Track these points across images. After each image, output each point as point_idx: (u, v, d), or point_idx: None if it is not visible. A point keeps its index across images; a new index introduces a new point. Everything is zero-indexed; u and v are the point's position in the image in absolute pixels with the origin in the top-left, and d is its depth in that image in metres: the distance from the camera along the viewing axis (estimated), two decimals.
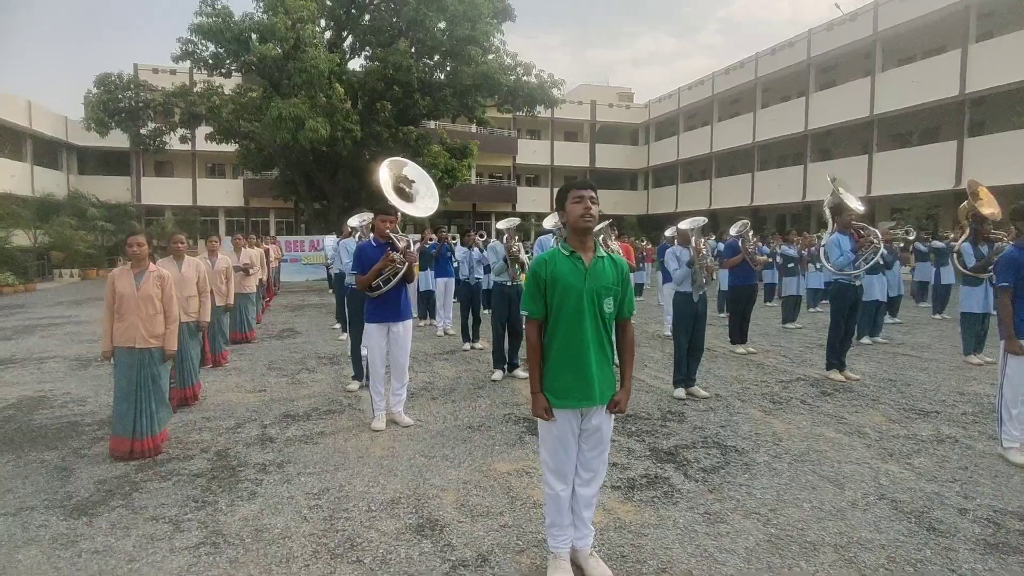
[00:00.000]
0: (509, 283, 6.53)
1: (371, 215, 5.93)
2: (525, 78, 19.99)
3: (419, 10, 18.38)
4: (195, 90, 21.76)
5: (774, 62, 30.66)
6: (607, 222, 6.51)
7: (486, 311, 9.10)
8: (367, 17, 22.03)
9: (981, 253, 6.83)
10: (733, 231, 7.60)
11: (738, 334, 7.80)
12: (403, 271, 4.69)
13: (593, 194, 2.67)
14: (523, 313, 2.70)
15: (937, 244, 11.02)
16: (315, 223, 25.18)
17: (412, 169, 5.03)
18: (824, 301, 11.38)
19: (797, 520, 3.23)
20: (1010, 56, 19.96)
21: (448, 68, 20.06)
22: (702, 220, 5.62)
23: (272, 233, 33.82)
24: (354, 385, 6.11)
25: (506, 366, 6.57)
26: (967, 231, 6.98)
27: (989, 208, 6.86)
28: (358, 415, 5.23)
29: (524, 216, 41.60)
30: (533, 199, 42.03)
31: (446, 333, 9.50)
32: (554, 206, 2.84)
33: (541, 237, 5.41)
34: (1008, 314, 3.97)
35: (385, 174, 4.82)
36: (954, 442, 4.41)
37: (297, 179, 24.23)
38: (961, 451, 4.23)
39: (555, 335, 2.63)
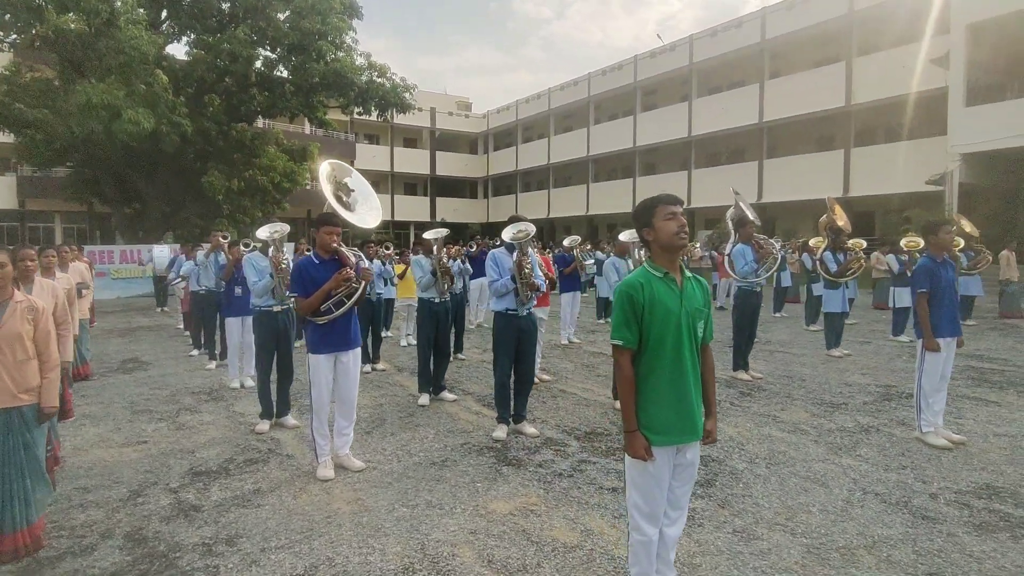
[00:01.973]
0: (437, 300, 6.04)
1: (283, 226, 5.10)
2: (379, 80, 19.10)
3: None
4: None
5: (605, 82, 33.12)
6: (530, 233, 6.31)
7: (386, 332, 8.40)
8: None
9: (839, 260, 7.85)
10: (566, 243, 7.96)
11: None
12: (359, 291, 4.03)
13: (683, 209, 2.45)
14: (616, 342, 2.38)
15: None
16: (128, 230, 21.60)
17: (354, 178, 4.38)
18: None
19: (816, 526, 3.31)
20: (796, 92, 23.70)
21: (293, 62, 18.42)
22: None
23: (59, 242, 28.35)
24: (264, 425, 5.16)
25: (431, 389, 6.07)
26: (827, 241, 7.98)
27: (842, 221, 7.92)
28: (288, 462, 4.40)
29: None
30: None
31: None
32: (634, 224, 2.55)
33: (495, 252, 4.99)
34: (925, 316, 4.53)
35: (325, 178, 4.13)
36: (877, 431, 4.93)
37: (102, 178, 20.60)
38: (888, 439, 4.73)
39: (654, 366, 2.36)
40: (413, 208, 42.38)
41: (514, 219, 4.96)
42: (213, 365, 7.81)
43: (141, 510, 3.62)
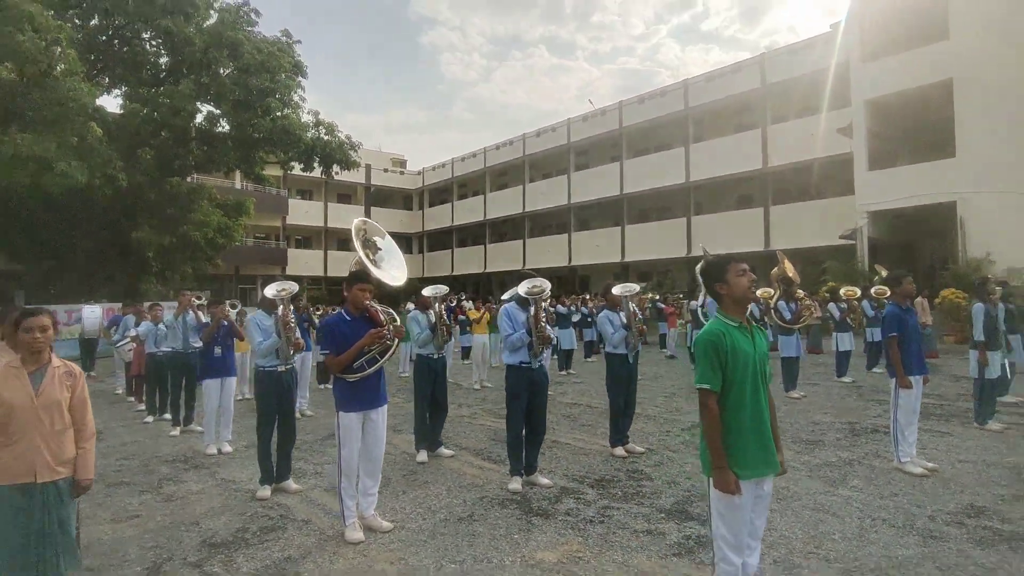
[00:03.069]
0: (435, 355, 6.08)
1: (292, 284, 5.07)
2: (326, 137, 19.18)
3: (208, 53, 16.53)
4: None
5: (539, 143, 34.61)
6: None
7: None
8: (125, 49, 18.99)
9: (792, 309, 8.54)
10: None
11: None
12: (392, 348, 4.06)
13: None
14: (703, 386, 2.60)
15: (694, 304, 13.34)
16: (40, 290, 20.04)
17: (383, 239, 4.46)
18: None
19: (844, 551, 3.57)
20: (718, 155, 25.72)
21: (238, 118, 18.21)
22: (634, 287, 6.02)
23: None
24: (265, 491, 4.93)
25: (427, 445, 6.02)
26: (778, 291, 8.68)
27: (792, 272, 8.67)
28: (308, 528, 4.24)
29: (297, 279, 39.14)
30: (305, 262, 39.86)
31: (302, 415, 8.29)
32: (705, 279, 2.82)
33: (507, 307, 5.15)
34: (896, 358, 5.05)
35: (356, 235, 4.20)
36: (859, 463, 5.34)
37: (11, 230, 19.14)
38: (871, 470, 5.14)
39: (739, 407, 2.59)
40: (347, 264, 41.61)
41: (526, 275, 5.17)
42: (177, 431, 7.36)
43: None
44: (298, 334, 5.14)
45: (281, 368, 4.99)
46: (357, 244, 4.10)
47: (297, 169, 23.61)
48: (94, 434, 3.07)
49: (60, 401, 2.90)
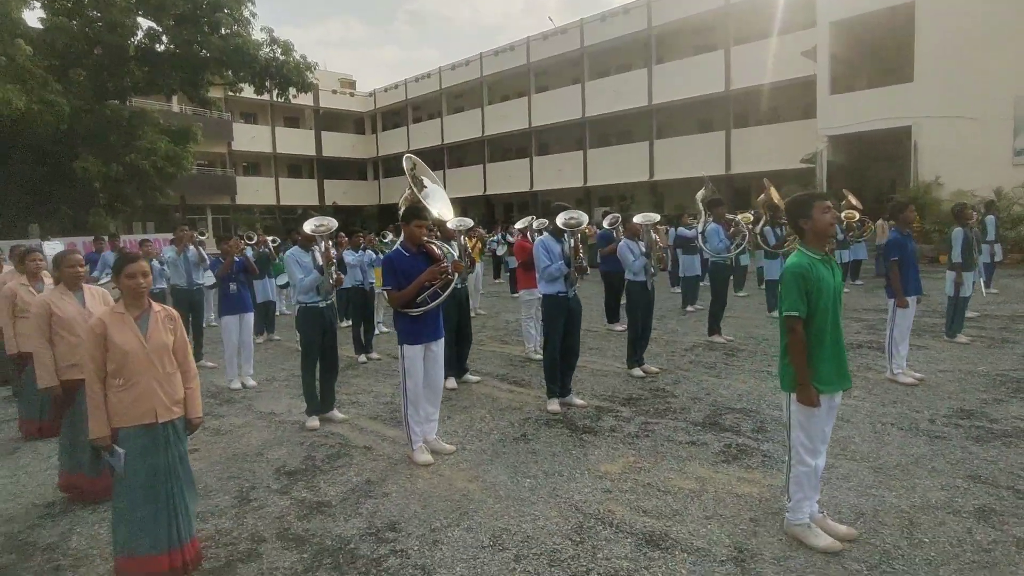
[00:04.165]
0: (460, 286, 6.20)
1: (331, 220, 5.02)
2: (282, 57, 18.00)
3: None
4: None
5: (498, 63, 33.44)
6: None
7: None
8: None
9: (777, 234, 9.00)
10: (606, 223, 8.45)
11: (615, 313, 8.76)
12: (453, 283, 4.18)
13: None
14: (792, 314, 2.87)
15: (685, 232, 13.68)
16: None
17: (428, 173, 4.45)
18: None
19: (868, 452, 4.07)
20: (680, 77, 25.61)
21: (184, 35, 16.82)
22: (655, 216, 6.23)
23: None
24: (314, 421, 5.10)
25: (455, 373, 6.26)
26: (765, 217, 9.10)
27: (778, 200, 9.06)
28: (372, 454, 4.47)
29: (247, 208, 37.55)
30: (256, 190, 38.20)
31: None
32: (789, 215, 3.04)
33: (543, 238, 5.27)
34: (897, 281, 5.52)
35: (410, 173, 4.20)
36: (855, 376, 5.85)
37: None
38: (867, 382, 5.69)
39: (822, 331, 2.88)
40: (299, 191, 40.29)
41: (560, 207, 5.28)
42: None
43: (267, 512, 3.58)
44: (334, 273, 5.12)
45: (323, 303, 5.03)
46: (414, 182, 4.10)
47: (248, 91, 22.30)
48: (196, 374, 3.14)
49: (167, 344, 2.94)
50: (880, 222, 12.70)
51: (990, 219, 9.97)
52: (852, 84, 18.89)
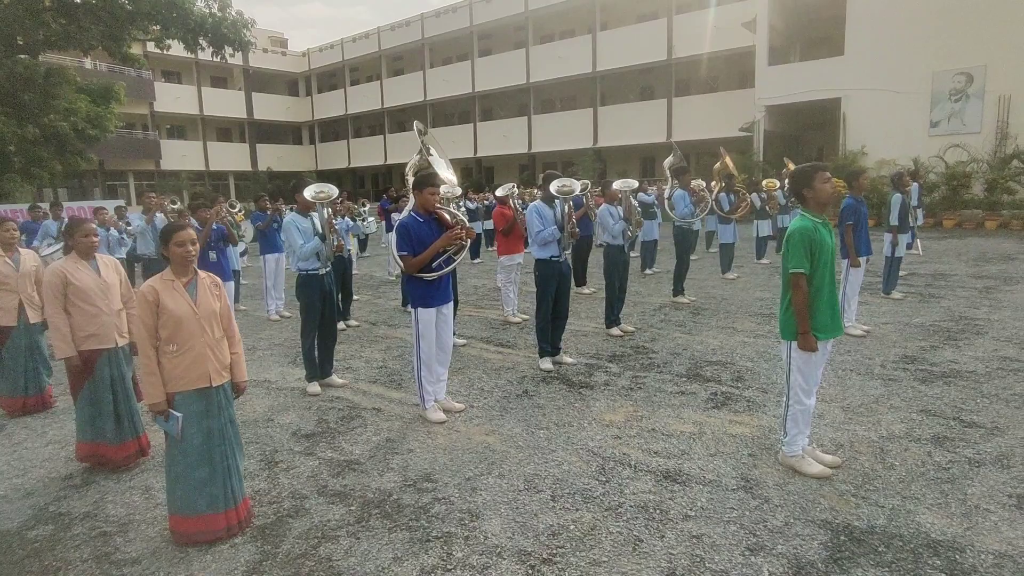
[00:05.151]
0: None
1: (331, 187, 5.02)
2: (219, 13, 16.96)
3: None
4: None
5: (439, 25, 32.67)
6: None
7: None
8: None
9: (730, 200, 9.55)
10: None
11: (582, 278, 9.13)
12: (465, 248, 4.34)
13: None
14: (798, 271, 3.24)
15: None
16: None
17: (434, 145, 4.54)
18: None
19: (834, 394, 4.60)
20: (625, 45, 25.94)
21: None
22: (634, 182, 6.52)
23: None
24: (315, 387, 5.19)
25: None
26: (720, 184, 9.62)
27: (732, 168, 9.59)
28: (383, 415, 4.64)
29: (173, 174, 35.42)
30: (182, 154, 36.15)
31: (281, 316, 8.30)
32: (793, 184, 3.38)
33: (535, 204, 5.46)
34: (851, 243, 6.10)
35: (422, 141, 4.29)
36: None
37: None
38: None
39: (821, 285, 3.28)
40: (230, 156, 38.41)
41: (552, 175, 5.48)
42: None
43: (298, 472, 3.72)
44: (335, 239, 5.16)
45: (322, 271, 5.08)
46: (429, 150, 4.19)
47: (176, 49, 20.91)
48: (240, 340, 3.21)
49: (215, 311, 3.01)
50: None
51: (914, 186, 10.90)
52: (788, 56, 19.78)
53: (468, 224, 4.39)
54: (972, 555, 2.67)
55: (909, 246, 10.78)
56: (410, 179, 4.43)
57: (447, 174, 4.54)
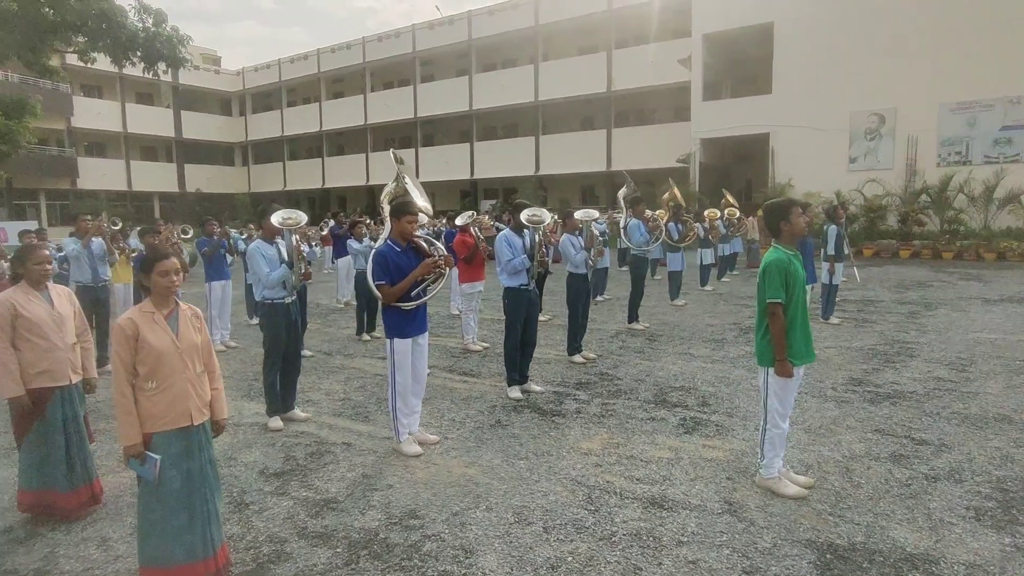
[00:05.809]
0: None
1: (299, 214, 4.88)
2: (153, 28, 16.30)
3: None
4: None
5: (381, 49, 32.64)
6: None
7: None
8: None
9: (679, 229, 9.95)
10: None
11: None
12: (444, 277, 4.30)
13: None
14: (776, 300, 3.40)
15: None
16: None
17: (409, 171, 4.52)
18: None
19: (798, 417, 4.82)
20: (566, 76, 26.75)
21: None
22: (595, 212, 6.67)
23: None
24: (277, 421, 4.96)
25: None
26: (668, 214, 10.01)
27: (680, 199, 10.01)
28: (353, 450, 4.48)
29: (92, 194, 33.28)
30: (102, 174, 34.27)
31: (226, 347, 7.91)
32: (770, 218, 3.55)
33: (504, 233, 5.47)
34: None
35: (403, 170, 4.26)
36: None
37: None
38: None
39: (795, 314, 3.45)
40: (155, 176, 36.66)
41: (522, 204, 5.55)
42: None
43: (273, 514, 3.53)
44: (305, 262, 5.00)
45: (288, 299, 4.90)
46: (408, 178, 4.16)
47: (102, 62, 19.88)
48: (220, 375, 3.05)
49: (197, 344, 2.85)
50: (751, 219, 14.36)
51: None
52: (721, 92, 20.98)
53: (445, 252, 4.37)
54: (946, 566, 2.84)
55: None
56: (386, 207, 4.37)
57: (423, 203, 4.51)
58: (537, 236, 5.41)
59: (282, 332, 4.91)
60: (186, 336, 2.80)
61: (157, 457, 2.68)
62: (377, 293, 4.17)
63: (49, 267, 3.49)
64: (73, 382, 3.51)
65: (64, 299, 3.56)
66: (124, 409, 2.66)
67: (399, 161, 4.34)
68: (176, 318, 2.81)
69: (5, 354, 3.28)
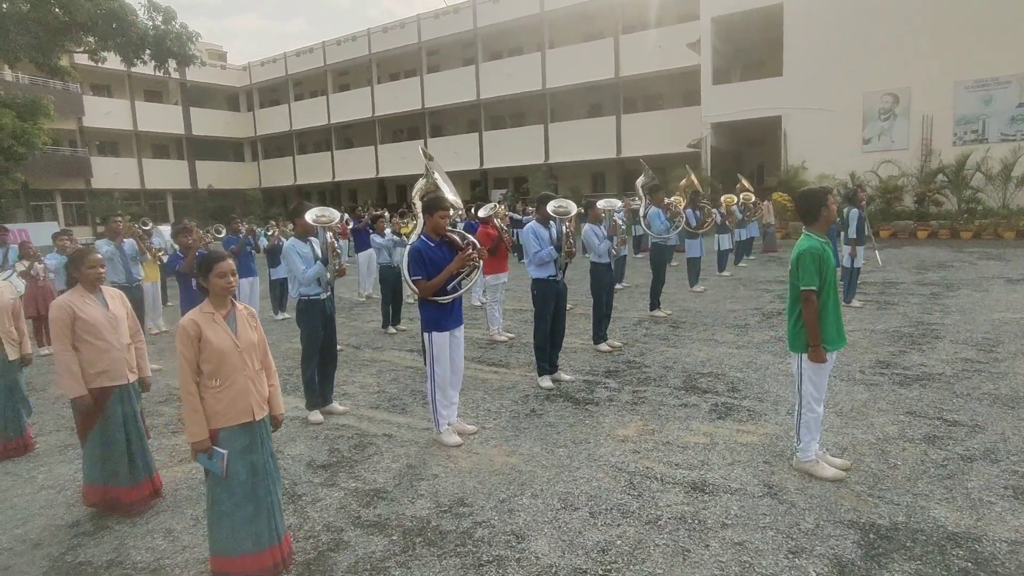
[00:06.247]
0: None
1: (332, 211, 4.98)
2: (163, 26, 16.38)
3: None
4: None
5: (387, 40, 32.56)
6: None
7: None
8: None
9: (697, 216, 9.97)
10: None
11: None
12: (477, 270, 4.39)
13: None
14: (810, 287, 3.46)
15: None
16: None
17: (438, 168, 4.59)
18: None
19: (829, 400, 4.88)
20: (573, 63, 26.60)
21: None
22: (617, 202, 6.72)
23: None
24: (317, 415, 5.08)
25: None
26: (686, 201, 10.03)
27: (698, 186, 10.02)
28: (395, 441, 4.60)
29: (106, 193, 33.58)
30: (115, 172, 34.54)
31: None
32: (808, 206, 3.60)
33: (532, 225, 5.55)
34: None
35: (433, 166, 4.33)
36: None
37: None
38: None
39: (827, 301, 3.52)
40: (167, 174, 36.91)
41: (547, 196, 5.61)
42: None
43: (326, 504, 3.65)
44: (340, 259, 5.10)
45: (323, 296, 5.00)
46: (439, 174, 4.23)
47: (111, 60, 20.01)
48: (276, 372, 3.16)
49: (254, 342, 2.96)
50: (765, 203, 14.32)
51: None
52: (731, 76, 20.81)
53: (479, 245, 4.45)
54: (988, 544, 2.92)
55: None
56: (418, 204, 4.45)
57: (453, 198, 4.59)
58: (564, 227, 5.47)
59: (319, 327, 5.02)
60: (244, 335, 2.91)
61: (224, 451, 2.80)
62: (413, 288, 4.26)
63: (103, 270, 3.61)
64: (130, 380, 3.63)
65: (117, 301, 3.68)
66: (191, 407, 2.77)
67: (428, 157, 4.41)
68: (234, 318, 2.91)
69: (67, 356, 3.40)
